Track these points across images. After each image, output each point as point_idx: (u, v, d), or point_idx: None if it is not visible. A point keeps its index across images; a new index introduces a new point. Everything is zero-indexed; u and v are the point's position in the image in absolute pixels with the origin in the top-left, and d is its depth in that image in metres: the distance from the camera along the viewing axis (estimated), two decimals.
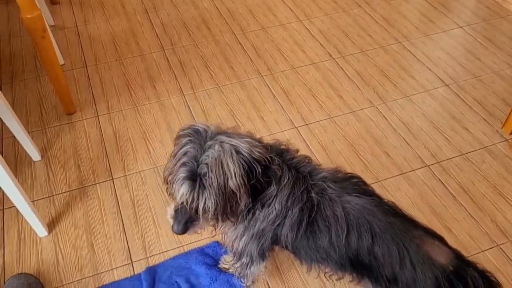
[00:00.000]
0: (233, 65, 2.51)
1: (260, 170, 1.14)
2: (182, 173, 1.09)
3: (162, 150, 2.05)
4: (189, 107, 2.26)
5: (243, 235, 1.32)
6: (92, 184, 1.90)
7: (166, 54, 2.57)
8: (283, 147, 1.29)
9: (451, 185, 1.97)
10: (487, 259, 1.71)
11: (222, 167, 1.08)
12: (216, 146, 1.11)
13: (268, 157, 1.18)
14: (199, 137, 1.15)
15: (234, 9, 2.93)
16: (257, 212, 1.24)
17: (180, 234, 1.18)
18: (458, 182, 1.98)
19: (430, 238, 1.23)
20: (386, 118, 2.25)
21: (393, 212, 1.25)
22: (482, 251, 1.75)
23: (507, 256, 1.72)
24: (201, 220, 1.15)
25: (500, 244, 1.78)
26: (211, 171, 1.07)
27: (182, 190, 1.09)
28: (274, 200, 1.22)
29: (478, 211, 1.88)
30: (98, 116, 2.19)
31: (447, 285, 1.15)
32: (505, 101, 2.35)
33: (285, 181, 1.21)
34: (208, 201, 1.08)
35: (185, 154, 1.12)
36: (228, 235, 1.37)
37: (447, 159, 2.07)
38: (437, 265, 1.17)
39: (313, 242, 1.24)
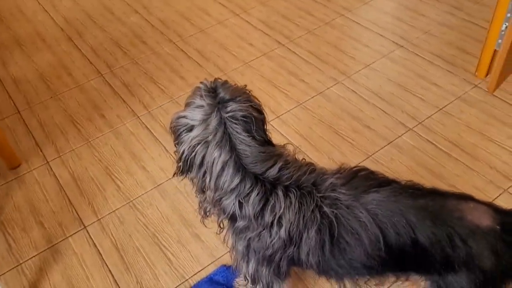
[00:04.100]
0: (182, 74, 2.32)
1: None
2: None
3: (132, 181, 1.82)
4: (147, 128, 2.04)
5: (249, 258, 1.16)
6: (63, 239, 1.65)
7: (105, 78, 2.32)
8: (281, 164, 1.08)
9: (440, 142, 1.90)
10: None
11: (180, 134, 1.07)
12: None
13: None
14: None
15: (165, 18, 2.73)
16: (250, 240, 1.11)
17: None
18: (445, 137, 1.92)
19: (464, 203, 1.12)
20: (355, 92, 2.16)
21: (418, 192, 1.12)
22: (493, 199, 1.68)
23: None
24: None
25: (507, 189, 1.72)
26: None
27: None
28: (274, 228, 1.06)
29: (475, 161, 1.82)
30: (48, 162, 1.92)
31: (503, 246, 1.04)
32: (462, 49, 2.34)
33: (284, 206, 1.05)
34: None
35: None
36: (234, 253, 1.20)
37: (427, 118, 2.01)
38: (486, 230, 1.06)
39: (344, 261, 1.09)
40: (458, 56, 2.30)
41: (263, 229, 1.08)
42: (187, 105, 1.10)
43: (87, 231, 1.67)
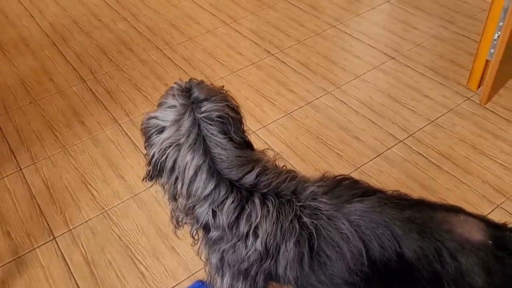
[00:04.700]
0: (167, 81, 2.24)
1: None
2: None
3: (108, 190, 1.73)
4: (128, 135, 1.96)
5: (223, 272, 1.07)
6: (30, 250, 1.55)
7: (88, 85, 2.25)
8: (259, 170, 1.00)
9: (431, 155, 1.83)
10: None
11: (150, 136, 1.00)
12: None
13: None
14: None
15: (153, 25, 2.67)
16: (224, 253, 1.03)
17: None
18: (437, 150, 1.85)
19: (454, 215, 1.04)
20: (344, 102, 2.09)
21: (404, 203, 1.04)
22: (486, 215, 1.60)
23: (511, 213, 1.59)
24: None
25: (500, 204, 1.65)
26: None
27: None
28: (249, 239, 0.98)
29: (466, 175, 1.75)
30: (21, 169, 1.83)
31: (495, 261, 0.96)
32: (453, 62, 2.28)
33: (261, 215, 0.97)
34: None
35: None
36: (208, 266, 1.11)
37: (418, 130, 1.94)
38: (477, 245, 0.97)
39: (325, 276, 1.00)
40: (450, 69, 2.24)
41: (238, 240, 1.00)
42: (159, 105, 1.03)
43: (56, 242, 1.57)
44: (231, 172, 0.97)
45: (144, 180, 1.06)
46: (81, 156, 1.88)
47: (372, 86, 2.18)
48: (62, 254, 1.53)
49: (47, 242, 1.57)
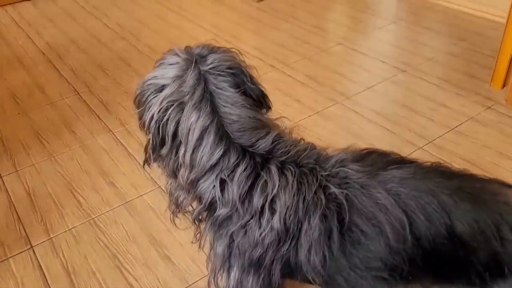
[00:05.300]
0: None
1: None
2: None
3: (97, 198, 1.55)
4: (122, 144, 1.80)
5: (230, 264, 0.87)
6: (3, 260, 1.34)
7: (82, 97, 2.11)
8: (275, 135, 0.84)
9: (455, 161, 1.66)
10: None
11: (147, 98, 0.84)
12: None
13: None
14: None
15: (154, 44, 2.59)
16: (234, 236, 0.83)
17: None
18: (461, 156, 1.68)
19: (509, 189, 0.87)
20: (356, 112, 1.94)
21: (449, 172, 0.87)
22: None
23: None
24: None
25: None
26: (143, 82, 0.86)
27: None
28: (264, 216, 0.80)
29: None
30: (1, 177, 1.65)
31: None
32: (468, 74, 2.16)
33: (279, 185, 0.80)
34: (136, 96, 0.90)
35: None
36: (212, 258, 0.90)
37: (438, 137, 1.78)
38: None
39: (358, 259, 0.81)
40: (466, 81, 2.12)
41: (251, 218, 0.81)
42: (158, 65, 0.89)
43: (33, 251, 1.36)
44: (243, 136, 0.81)
45: (146, 163, 0.89)
46: (69, 163, 1.71)
47: (385, 96, 2.05)
48: (39, 263, 1.32)
49: (22, 252, 1.36)
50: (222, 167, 0.80)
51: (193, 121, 0.79)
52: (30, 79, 2.27)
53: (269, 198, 0.79)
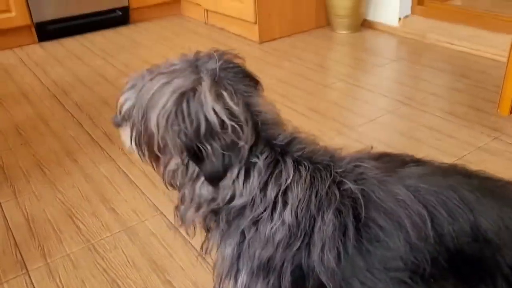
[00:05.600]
0: None
1: (203, 130, 0.73)
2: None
3: (97, 223, 1.50)
4: (124, 171, 1.77)
5: (239, 268, 0.82)
6: None
7: (85, 128, 2.11)
8: (291, 133, 0.83)
9: None
10: None
11: (161, 87, 0.77)
12: (187, 73, 0.78)
13: (233, 125, 0.74)
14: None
15: None
16: (245, 231, 0.79)
17: (114, 125, 0.89)
18: None
19: None
20: (361, 142, 1.93)
21: (467, 171, 0.84)
22: None
23: None
24: (123, 127, 0.86)
25: None
26: (150, 79, 0.78)
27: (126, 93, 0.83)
28: (276, 209, 0.77)
29: None
30: (0, 203, 1.61)
31: None
32: (473, 107, 2.16)
33: (292, 177, 0.77)
34: (125, 100, 0.83)
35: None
36: (219, 263, 0.85)
37: None
38: None
39: (376, 257, 0.75)
40: (471, 113, 2.11)
41: (264, 211, 0.77)
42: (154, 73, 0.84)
43: (29, 276, 1.30)
44: (266, 129, 0.79)
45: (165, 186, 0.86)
46: (69, 191, 1.67)
47: (389, 128, 2.04)
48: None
49: (18, 276, 1.30)
50: (249, 155, 0.77)
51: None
52: (34, 112, 2.28)
53: (282, 189, 0.76)
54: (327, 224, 0.74)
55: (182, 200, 0.85)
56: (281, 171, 0.76)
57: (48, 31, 3.28)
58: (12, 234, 1.46)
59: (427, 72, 2.59)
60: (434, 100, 2.26)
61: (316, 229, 0.75)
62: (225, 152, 0.74)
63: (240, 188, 0.76)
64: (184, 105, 0.74)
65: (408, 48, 2.95)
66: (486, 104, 2.17)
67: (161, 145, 0.77)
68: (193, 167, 0.79)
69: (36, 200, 1.62)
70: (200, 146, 0.74)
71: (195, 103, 0.74)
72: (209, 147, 0.73)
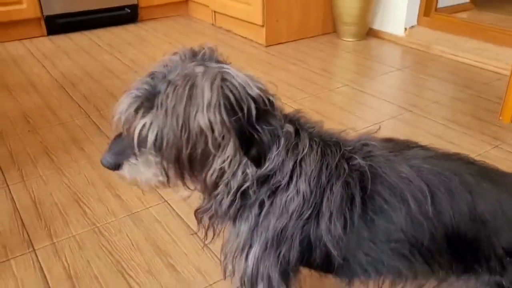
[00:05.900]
0: None
1: (255, 112, 0.74)
2: (134, 85, 0.78)
3: (103, 208, 1.52)
4: None
5: (250, 245, 0.84)
6: (4, 261, 1.30)
7: (92, 119, 2.14)
8: (299, 115, 0.87)
9: None
10: None
11: (191, 89, 0.72)
12: (199, 68, 0.75)
13: (270, 99, 0.78)
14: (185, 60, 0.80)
15: None
16: (265, 201, 0.81)
17: (109, 168, 0.78)
18: None
19: None
20: None
21: (469, 160, 0.88)
22: None
23: None
24: (139, 157, 0.75)
25: None
26: (172, 90, 0.72)
27: (122, 104, 0.75)
28: (293, 178, 0.80)
29: None
30: (8, 185, 1.64)
31: None
32: (475, 117, 2.20)
33: (307, 149, 0.80)
34: (150, 125, 0.72)
35: (152, 74, 0.79)
36: (228, 245, 0.88)
37: None
38: None
39: (379, 228, 0.79)
40: (473, 122, 2.15)
41: (282, 179, 0.79)
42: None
43: (35, 254, 1.32)
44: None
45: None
46: (76, 177, 1.69)
47: (392, 132, 2.07)
48: (41, 266, 1.28)
49: (24, 254, 1.32)
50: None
51: None
52: (42, 102, 2.31)
53: (298, 159, 0.79)
54: (335, 194, 0.78)
55: (219, 194, 0.82)
56: (297, 143, 0.79)
57: (58, 24, 3.32)
58: (20, 215, 1.49)
59: (431, 81, 2.63)
60: (437, 108, 2.30)
61: (325, 199, 0.78)
62: (271, 128, 0.76)
63: (272, 157, 0.78)
64: (229, 93, 0.72)
65: (413, 57, 3.00)
66: (487, 114, 2.21)
67: (216, 143, 0.74)
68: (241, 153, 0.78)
69: (43, 184, 1.65)
70: (251, 130, 0.74)
71: (236, 88, 0.73)
72: (259, 128, 0.75)
